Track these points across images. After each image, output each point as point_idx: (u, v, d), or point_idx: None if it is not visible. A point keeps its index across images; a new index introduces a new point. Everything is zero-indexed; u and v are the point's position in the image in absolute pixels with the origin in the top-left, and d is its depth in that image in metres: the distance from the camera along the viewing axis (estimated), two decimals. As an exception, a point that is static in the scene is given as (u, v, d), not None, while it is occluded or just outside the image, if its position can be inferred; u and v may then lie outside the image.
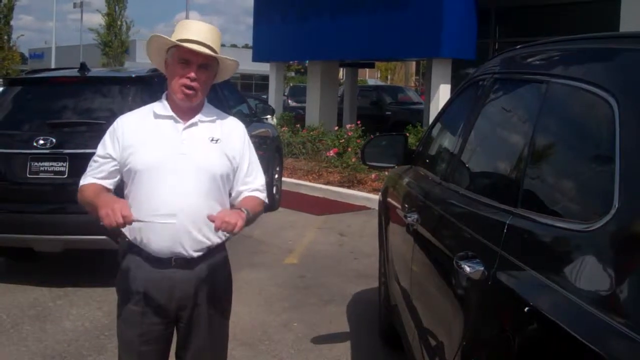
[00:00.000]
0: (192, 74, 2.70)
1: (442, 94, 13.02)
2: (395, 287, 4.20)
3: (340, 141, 12.76)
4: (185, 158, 2.74)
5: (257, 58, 18.86)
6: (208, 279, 2.82)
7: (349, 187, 11.37)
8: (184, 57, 2.70)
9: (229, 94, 9.05)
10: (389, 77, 53.79)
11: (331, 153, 12.58)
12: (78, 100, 6.30)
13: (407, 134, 6.24)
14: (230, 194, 2.91)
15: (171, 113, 2.80)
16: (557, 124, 2.29)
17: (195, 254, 2.77)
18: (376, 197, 9.00)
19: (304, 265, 7.16)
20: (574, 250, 1.86)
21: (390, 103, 23.11)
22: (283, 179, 10.82)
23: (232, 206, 2.87)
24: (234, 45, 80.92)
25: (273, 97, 18.58)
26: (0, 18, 43.34)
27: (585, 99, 2.07)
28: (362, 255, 7.48)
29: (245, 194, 2.88)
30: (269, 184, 9.61)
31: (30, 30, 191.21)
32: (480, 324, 2.19)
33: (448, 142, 3.72)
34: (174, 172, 2.72)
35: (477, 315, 2.22)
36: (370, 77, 52.14)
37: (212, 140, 2.81)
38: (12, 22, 45.05)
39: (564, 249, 1.92)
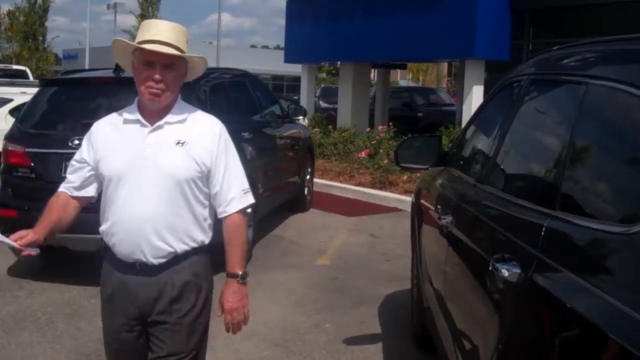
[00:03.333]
0: (157, 76, 2.62)
1: (475, 95, 12.94)
2: (428, 289, 4.18)
3: (372, 142, 12.74)
4: (148, 163, 2.68)
5: (289, 59, 18.91)
6: (171, 287, 2.74)
7: (380, 189, 11.34)
8: (146, 58, 2.63)
9: (262, 95, 9.09)
10: (420, 78, 53.62)
11: (363, 154, 12.56)
12: (112, 100, 6.33)
13: (441, 135, 6.26)
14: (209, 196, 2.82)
15: (138, 117, 2.73)
16: (596, 125, 2.26)
17: (156, 261, 2.71)
18: (408, 198, 8.98)
19: (335, 266, 7.16)
20: (614, 253, 1.85)
21: (422, 104, 22.99)
22: (314, 180, 10.82)
23: (211, 206, 2.82)
24: (266, 47, 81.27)
25: (305, 98, 18.60)
26: (35, 19, 43.98)
27: (625, 101, 2.04)
28: (394, 257, 7.46)
29: (226, 220, 2.78)
30: (300, 185, 9.63)
31: (65, 31, 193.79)
32: (516, 327, 2.17)
33: (483, 144, 3.69)
34: (136, 178, 2.68)
35: (513, 318, 2.20)
36: (402, 79, 51.99)
37: (178, 143, 2.71)
38: (46, 24, 45.77)
39: (603, 252, 1.90)
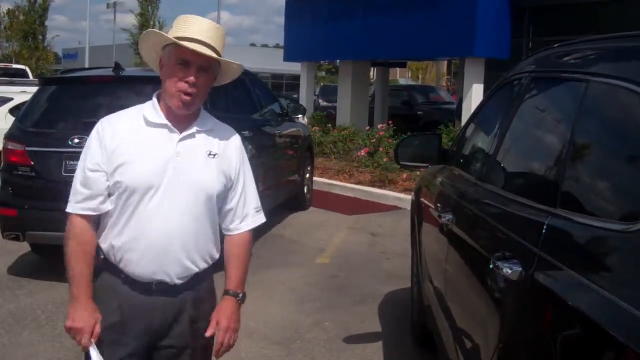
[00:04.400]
0: (192, 78, 2.37)
1: (475, 93, 12.93)
2: (428, 287, 4.17)
3: (372, 141, 12.74)
4: (180, 174, 2.44)
5: (288, 58, 18.89)
6: (190, 310, 2.54)
7: (380, 187, 11.34)
8: (184, 57, 2.38)
9: (261, 94, 9.08)
10: (420, 76, 53.65)
11: (362, 153, 12.56)
12: (112, 99, 6.32)
13: (441, 134, 6.27)
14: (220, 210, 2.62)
15: (165, 121, 2.47)
16: (597, 123, 2.26)
17: (179, 282, 2.49)
18: (407, 197, 8.99)
19: (336, 265, 7.16)
20: (615, 251, 1.84)
21: (422, 103, 23.02)
22: (314, 178, 10.82)
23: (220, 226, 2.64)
24: (265, 45, 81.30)
25: (304, 96, 18.58)
26: (35, 18, 43.98)
27: (626, 98, 2.04)
28: (394, 255, 7.46)
29: (237, 236, 2.64)
30: (300, 184, 9.63)
31: (65, 30, 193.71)
32: (518, 325, 2.17)
33: (484, 142, 3.69)
34: (166, 189, 2.42)
35: (514, 316, 2.20)
36: (402, 77, 52.00)
37: (211, 155, 2.51)
38: (46, 23, 45.78)
39: (604, 250, 1.90)
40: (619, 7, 12.92)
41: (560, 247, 2.06)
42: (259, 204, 2.69)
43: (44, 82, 7.21)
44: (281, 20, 19.34)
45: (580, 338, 1.74)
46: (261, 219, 2.70)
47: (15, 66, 26.89)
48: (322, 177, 12.24)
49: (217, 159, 2.52)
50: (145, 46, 2.53)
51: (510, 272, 2.17)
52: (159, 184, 2.41)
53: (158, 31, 2.47)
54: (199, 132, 2.51)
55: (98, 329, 2.44)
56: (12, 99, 11.26)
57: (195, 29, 2.42)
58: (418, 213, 4.85)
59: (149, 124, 2.48)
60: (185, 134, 2.48)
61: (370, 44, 15.33)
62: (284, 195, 9.00)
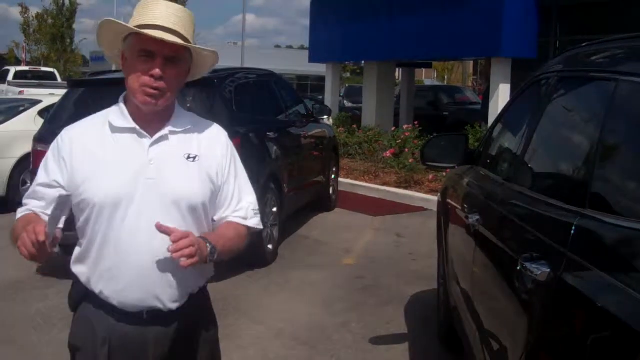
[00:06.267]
0: (157, 71, 2.09)
1: (502, 93, 12.84)
2: (455, 288, 4.16)
3: (397, 142, 12.70)
4: (155, 185, 2.15)
5: (313, 59, 18.90)
6: (188, 336, 2.28)
7: (405, 188, 11.30)
8: (145, 48, 2.10)
9: (286, 95, 9.10)
10: (446, 77, 53.42)
11: (388, 154, 12.53)
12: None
13: (467, 134, 6.24)
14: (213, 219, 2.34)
15: (133, 124, 2.19)
16: (627, 122, 2.23)
17: (174, 305, 2.21)
18: (433, 198, 8.95)
19: (361, 266, 7.15)
20: (645, 251, 1.82)
21: (448, 103, 22.92)
22: (339, 179, 10.82)
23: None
24: (290, 47, 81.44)
25: (329, 97, 18.58)
26: (63, 22, 44.41)
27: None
28: (420, 256, 7.43)
29: (228, 219, 2.33)
30: (325, 185, 9.63)
31: (92, 33, 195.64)
32: (546, 326, 2.15)
33: (511, 142, 3.67)
34: (142, 203, 2.14)
35: (543, 317, 2.18)
36: (427, 77, 51.84)
37: (189, 157, 2.22)
38: (74, 26, 46.16)
39: (634, 251, 1.88)
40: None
41: (589, 248, 2.04)
42: (257, 206, 2.40)
43: (73, 85, 7.31)
44: (306, 21, 19.38)
45: (610, 340, 1.72)
46: (259, 223, 2.39)
47: (43, 69, 27.28)
48: (347, 178, 12.22)
49: (198, 161, 2.23)
50: (103, 39, 2.24)
51: (538, 273, 2.15)
52: (130, 199, 2.14)
53: (114, 20, 2.20)
54: (173, 132, 2.23)
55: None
56: (40, 101, 11.36)
57: (157, 14, 2.13)
58: (444, 214, 4.83)
59: (115, 129, 2.22)
60: (156, 136, 2.20)
61: (395, 45, 15.28)
62: (309, 196, 9.02)
